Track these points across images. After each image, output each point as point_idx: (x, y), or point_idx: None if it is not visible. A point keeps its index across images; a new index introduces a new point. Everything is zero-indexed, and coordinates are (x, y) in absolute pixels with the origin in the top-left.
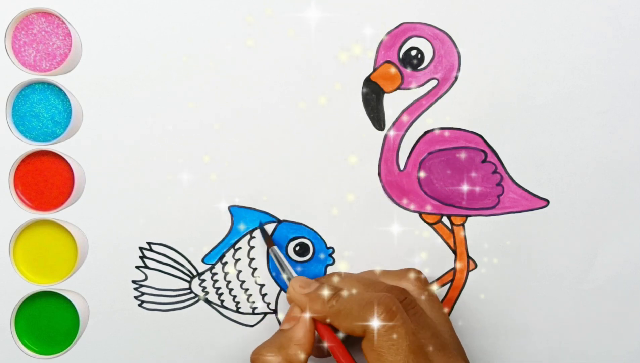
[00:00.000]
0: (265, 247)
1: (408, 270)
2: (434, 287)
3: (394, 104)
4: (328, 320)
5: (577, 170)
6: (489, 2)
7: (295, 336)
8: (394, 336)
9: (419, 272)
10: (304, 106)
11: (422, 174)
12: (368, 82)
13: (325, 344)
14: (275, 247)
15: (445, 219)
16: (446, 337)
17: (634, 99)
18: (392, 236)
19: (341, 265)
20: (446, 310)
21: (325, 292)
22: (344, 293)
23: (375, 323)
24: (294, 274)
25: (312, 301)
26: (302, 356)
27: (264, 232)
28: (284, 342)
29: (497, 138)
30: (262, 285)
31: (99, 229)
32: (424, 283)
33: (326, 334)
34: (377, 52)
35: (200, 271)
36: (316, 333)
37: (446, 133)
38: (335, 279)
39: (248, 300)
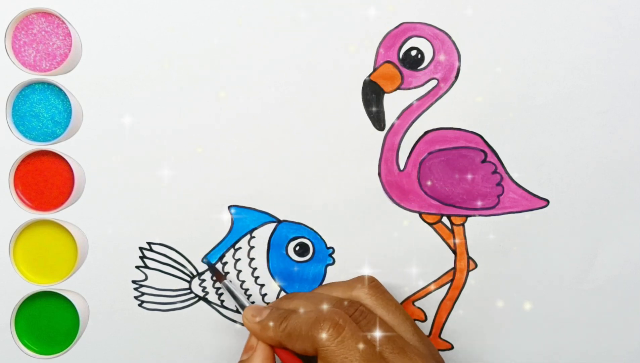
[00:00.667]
0: (265, 247)
1: (359, 278)
2: (435, 290)
3: (394, 104)
4: (284, 345)
5: (577, 170)
6: (489, 2)
7: None
8: (346, 349)
9: (371, 279)
10: (303, 106)
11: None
12: (368, 82)
13: None
14: (226, 280)
15: (445, 219)
16: (408, 337)
17: (634, 99)
18: (392, 237)
19: (341, 265)
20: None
21: (276, 317)
22: (292, 315)
23: (325, 339)
24: (247, 303)
25: (264, 329)
26: None
27: (212, 269)
28: None
29: (497, 138)
30: (262, 285)
31: (99, 229)
32: (376, 288)
33: (287, 358)
34: (377, 52)
35: (200, 271)
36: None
37: (446, 133)
38: (286, 301)
39: (248, 300)
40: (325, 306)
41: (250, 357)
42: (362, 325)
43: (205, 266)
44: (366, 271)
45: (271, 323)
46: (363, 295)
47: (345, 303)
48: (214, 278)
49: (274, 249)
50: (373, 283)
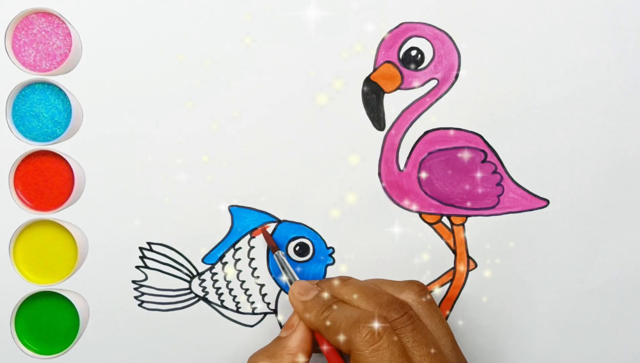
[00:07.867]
0: (265, 247)
1: (411, 282)
2: (435, 290)
3: (394, 104)
4: (321, 333)
5: (577, 170)
6: (489, 2)
7: (289, 345)
8: (378, 358)
9: (422, 285)
10: (304, 106)
11: (423, 175)
12: (368, 82)
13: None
14: (280, 252)
15: (445, 220)
16: (447, 352)
17: (634, 99)
18: (392, 237)
19: (341, 265)
20: (447, 316)
21: (320, 303)
22: (336, 307)
23: (360, 343)
24: (296, 277)
25: (307, 310)
26: None
27: (267, 236)
28: (277, 351)
29: (497, 137)
30: (262, 285)
31: (99, 229)
32: (424, 297)
33: (324, 345)
34: (377, 52)
35: (200, 271)
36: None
37: (446, 133)
38: (336, 284)
39: (248, 300)
40: (380, 302)
41: (289, 335)
42: (408, 332)
43: (206, 266)
44: (366, 271)
45: (314, 309)
46: (412, 300)
47: (398, 303)
48: (269, 247)
49: None
50: (422, 291)
